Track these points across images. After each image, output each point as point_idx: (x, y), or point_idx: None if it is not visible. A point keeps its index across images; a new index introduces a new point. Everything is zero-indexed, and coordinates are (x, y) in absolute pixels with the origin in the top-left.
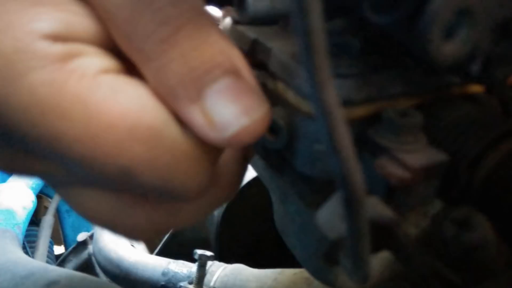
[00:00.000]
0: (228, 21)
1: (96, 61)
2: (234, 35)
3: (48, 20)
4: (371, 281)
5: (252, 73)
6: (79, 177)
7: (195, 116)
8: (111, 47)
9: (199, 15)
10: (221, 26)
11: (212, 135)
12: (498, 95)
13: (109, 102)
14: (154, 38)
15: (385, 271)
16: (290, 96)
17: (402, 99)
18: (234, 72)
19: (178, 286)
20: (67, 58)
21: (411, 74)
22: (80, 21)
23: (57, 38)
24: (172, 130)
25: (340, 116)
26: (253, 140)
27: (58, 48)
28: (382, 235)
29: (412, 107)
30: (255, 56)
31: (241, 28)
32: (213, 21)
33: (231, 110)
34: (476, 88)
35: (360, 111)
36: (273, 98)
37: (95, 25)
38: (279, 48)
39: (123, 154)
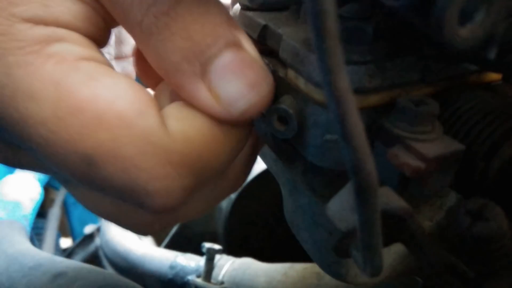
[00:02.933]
0: (237, 7)
1: (77, 48)
2: (243, 21)
3: (29, 3)
4: (383, 275)
5: (252, 44)
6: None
7: (200, 92)
8: (96, 36)
9: None
10: (230, 13)
11: (218, 112)
12: None
13: (81, 86)
14: (153, 11)
15: (398, 264)
16: (301, 83)
17: (417, 87)
18: (236, 44)
19: (186, 279)
20: (47, 41)
21: (427, 61)
22: (63, 5)
23: (38, 21)
24: (147, 121)
25: (352, 102)
26: (260, 113)
27: (38, 31)
28: (395, 227)
29: (428, 95)
30: (265, 43)
31: (250, 14)
32: None
33: (237, 86)
34: (493, 77)
35: (374, 99)
36: (283, 86)
37: (79, 9)
38: (290, 34)
39: (86, 140)
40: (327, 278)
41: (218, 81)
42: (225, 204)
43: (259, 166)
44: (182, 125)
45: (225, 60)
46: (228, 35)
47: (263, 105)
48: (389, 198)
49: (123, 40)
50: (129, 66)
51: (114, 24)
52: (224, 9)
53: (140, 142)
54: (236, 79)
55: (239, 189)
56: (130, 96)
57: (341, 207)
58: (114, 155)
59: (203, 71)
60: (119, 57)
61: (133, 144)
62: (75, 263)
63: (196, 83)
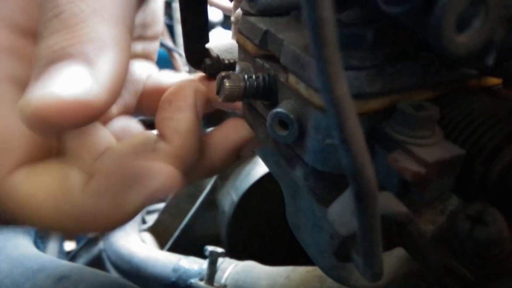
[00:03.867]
0: (239, 12)
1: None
2: (245, 27)
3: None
4: (385, 279)
5: None
6: None
7: None
8: None
9: None
10: (232, 17)
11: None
12: None
13: None
14: None
15: (400, 268)
16: (302, 89)
17: (417, 92)
18: None
19: (188, 282)
20: None
21: (427, 66)
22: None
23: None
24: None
25: (351, 109)
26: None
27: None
28: (396, 232)
29: (428, 100)
30: (267, 48)
31: (252, 19)
32: None
33: None
34: (493, 81)
35: (374, 104)
36: (284, 91)
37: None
38: (291, 39)
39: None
40: (330, 281)
41: None
42: (228, 207)
43: (262, 169)
44: (30, 187)
45: None
46: None
47: None
48: (389, 203)
49: (147, 24)
50: (150, 47)
51: None
52: None
53: None
54: None
55: (242, 193)
56: None
57: (342, 211)
58: None
59: None
60: (142, 37)
61: None
62: (78, 266)
63: None
